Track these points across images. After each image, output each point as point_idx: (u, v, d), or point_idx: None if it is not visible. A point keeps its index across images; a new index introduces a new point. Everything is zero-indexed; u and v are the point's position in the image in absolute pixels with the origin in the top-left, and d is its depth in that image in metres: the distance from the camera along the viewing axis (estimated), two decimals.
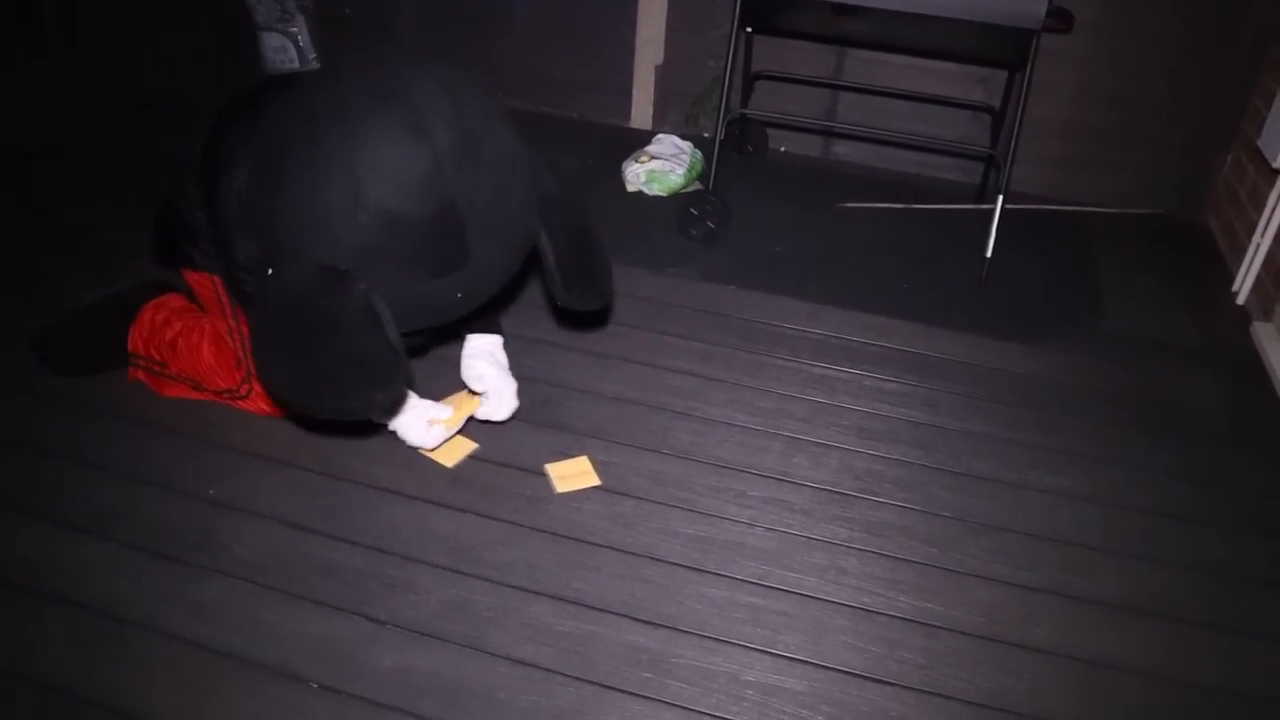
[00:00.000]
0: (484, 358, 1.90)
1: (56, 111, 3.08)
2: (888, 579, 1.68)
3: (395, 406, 1.43)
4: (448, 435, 1.85)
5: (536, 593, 1.60)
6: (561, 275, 1.65)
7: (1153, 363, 2.34)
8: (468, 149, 1.40)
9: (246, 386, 1.90)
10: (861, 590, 1.65)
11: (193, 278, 1.90)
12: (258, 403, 1.91)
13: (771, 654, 1.53)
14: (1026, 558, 1.75)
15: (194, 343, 1.94)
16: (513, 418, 1.92)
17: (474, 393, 1.89)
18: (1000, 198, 2.62)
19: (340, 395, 1.38)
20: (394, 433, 1.84)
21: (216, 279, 1.84)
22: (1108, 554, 1.77)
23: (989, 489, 1.90)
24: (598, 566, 1.66)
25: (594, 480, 1.85)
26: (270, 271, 1.44)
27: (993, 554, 1.75)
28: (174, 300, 2.06)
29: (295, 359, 1.39)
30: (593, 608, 1.58)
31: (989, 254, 2.66)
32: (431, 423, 1.83)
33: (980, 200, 3.02)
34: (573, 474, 1.86)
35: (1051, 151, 3.06)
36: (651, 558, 1.69)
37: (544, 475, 1.85)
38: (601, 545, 1.70)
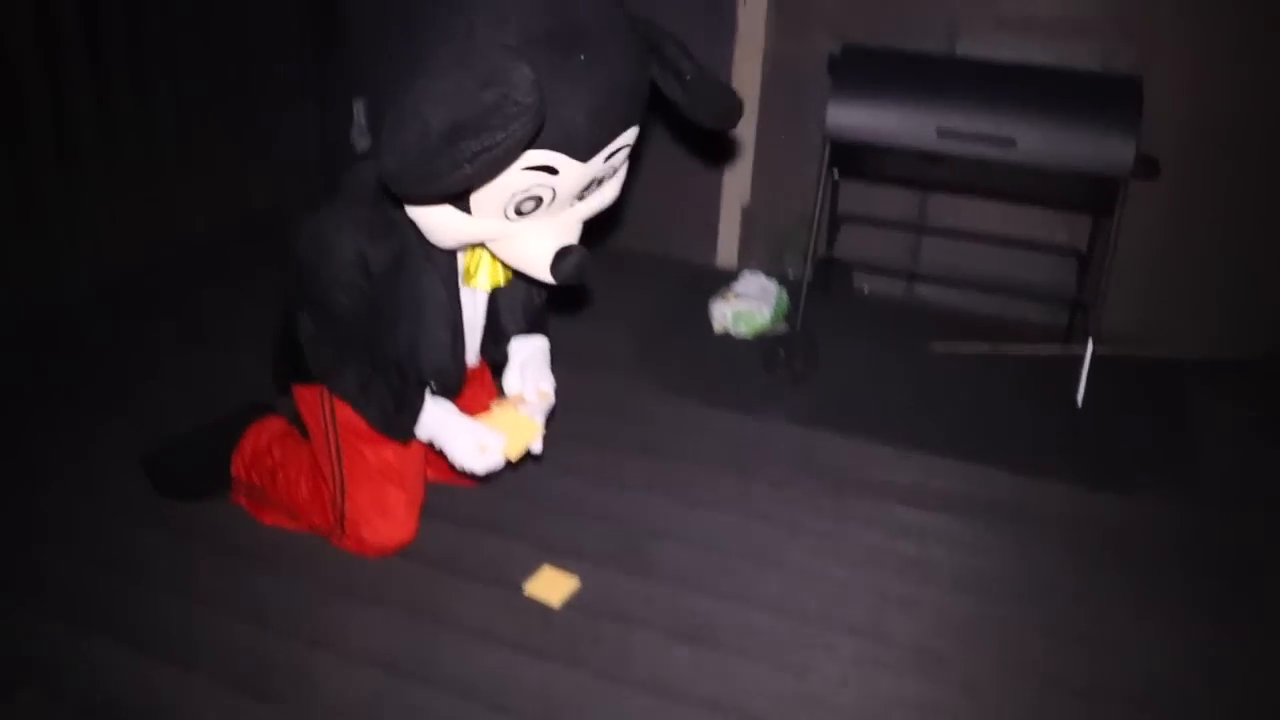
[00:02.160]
0: (536, 363, 1.96)
1: (165, 230, 3.23)
2: None
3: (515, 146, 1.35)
4: (500, 465, 1.84)
5: None
6: (683, 80, 1.65)
7: (1247, 513, 2.26)
8: None
9: (338, 530, 1.94)
10: None
11: (302, 395, 1.94)
12: (351, 543, 1.94)
13: None
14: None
15: (292, 476, 1.99)
16: (606, 563, 1.93)
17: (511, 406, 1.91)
18: (1090, 342, 2.61)
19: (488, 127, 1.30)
20: (441, 452, 1.84)
21: (327, 400, 1.89)
22: (1211, 717, 1.70)
23: (1086, 646, 1.84)
24: None
25: (572, 581, 1.91)
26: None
27: (1092, 716, 1.68)
28: (275, 424, 2.12)
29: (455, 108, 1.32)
30: None
31: (1080, 400, 2.63)
32: (483, 449, 1.80)
33: (1068, 342, 2.99)
34: (551, 583, 1.91)
35: (1140, 293, 3.03)
36: (741, 713, 1.65)
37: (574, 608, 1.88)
38: (693, 701, 1.67)
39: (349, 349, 1.77)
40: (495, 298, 1.94)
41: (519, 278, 1.80)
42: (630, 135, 1.59)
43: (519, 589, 1.90)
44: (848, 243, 3.21)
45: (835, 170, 3.00)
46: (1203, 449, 2.53)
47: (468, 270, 1.79)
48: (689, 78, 1.62)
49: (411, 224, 1.63)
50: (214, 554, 1.95)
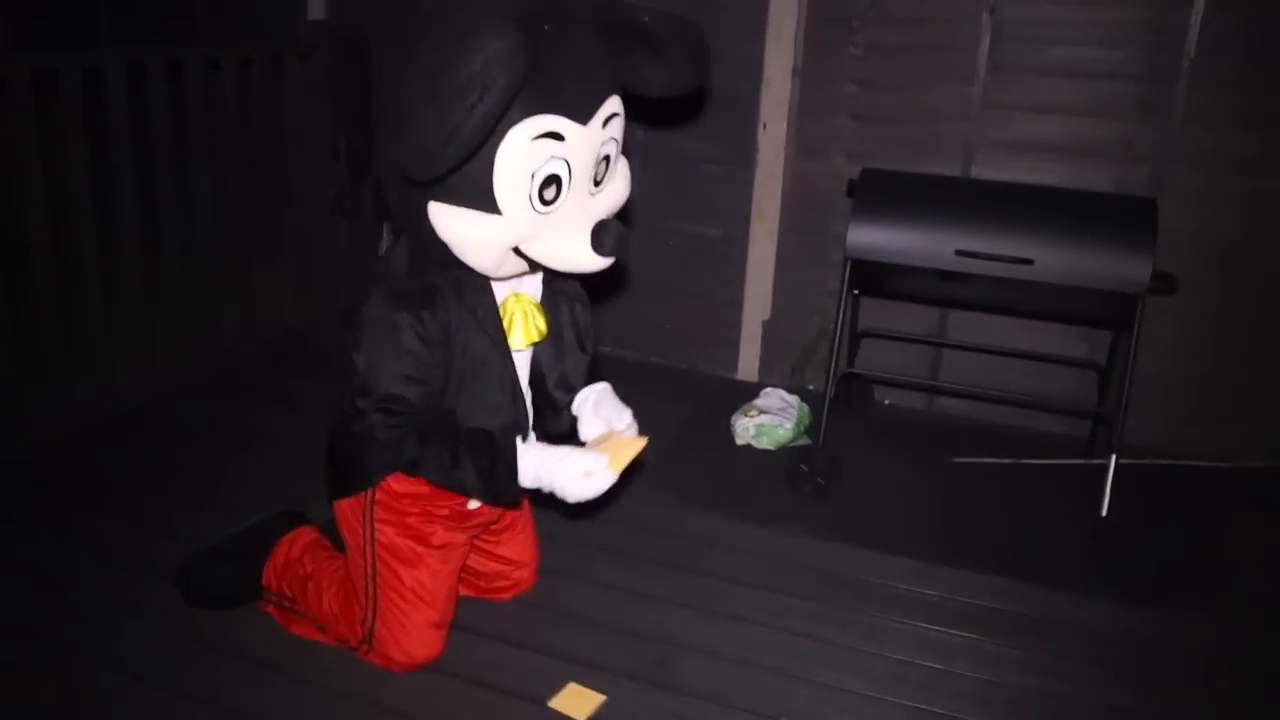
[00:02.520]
0: (607, 400, 1.94)
1: (201, 352, 3.32)
2: None
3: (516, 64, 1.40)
4: (612, 480, 1.74)
5: None
6: (644, 31, 1.64)
7: None
8: None
9: (365, 646, 1.95)
10: None
11: (343, 510, 1.94)
12: (378, 659, 1.95)
13: None
14: None
15: (323, 587, 2.01)
16: (632, 678, 1.93)
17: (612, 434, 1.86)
18: (1113, 456, 2.62)
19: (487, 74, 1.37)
20: (551, 494, 1.77)
21: (363, 503, 1.90)
22: None
23: None
24: None
25: (598, 697, 1.90)
26: None
27: None
28: (307, 534, 2.15)
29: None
30: None
31: (1104, 512, 2.63)
32: (588, 474, 1.73)
33: (1090, 454, 3.01)
34: (577, 698, 1.90)
35: (1160, 405, 3.06)
36: None
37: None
38: None
39: (430, 431, 1.77)
40: (539, 361, 1.94)
41: (557, 332, 1.89)
42: (616, 103, 1.65)
43: (545, 705, 1.89)
44: (868, 357, 3.26)
45: (856, 288, 3.06)
46: (1232, 561, 2.52)
47: (510, 336, 1.82)
48: (647, 20, 1.65)
49: (454, 287, 1.70)
50: (244, 666, 1.96)
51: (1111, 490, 2.63)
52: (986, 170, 3.03)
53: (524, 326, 1.81)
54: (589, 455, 1.75)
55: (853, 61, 3.12)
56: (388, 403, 1.73)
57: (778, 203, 3.27)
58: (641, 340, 3.54)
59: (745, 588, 2.30)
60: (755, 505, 2.68)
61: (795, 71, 3.16)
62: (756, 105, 3.21)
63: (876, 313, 3.22)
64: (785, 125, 3.20)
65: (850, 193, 2.71)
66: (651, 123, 3.34)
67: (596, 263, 1.66)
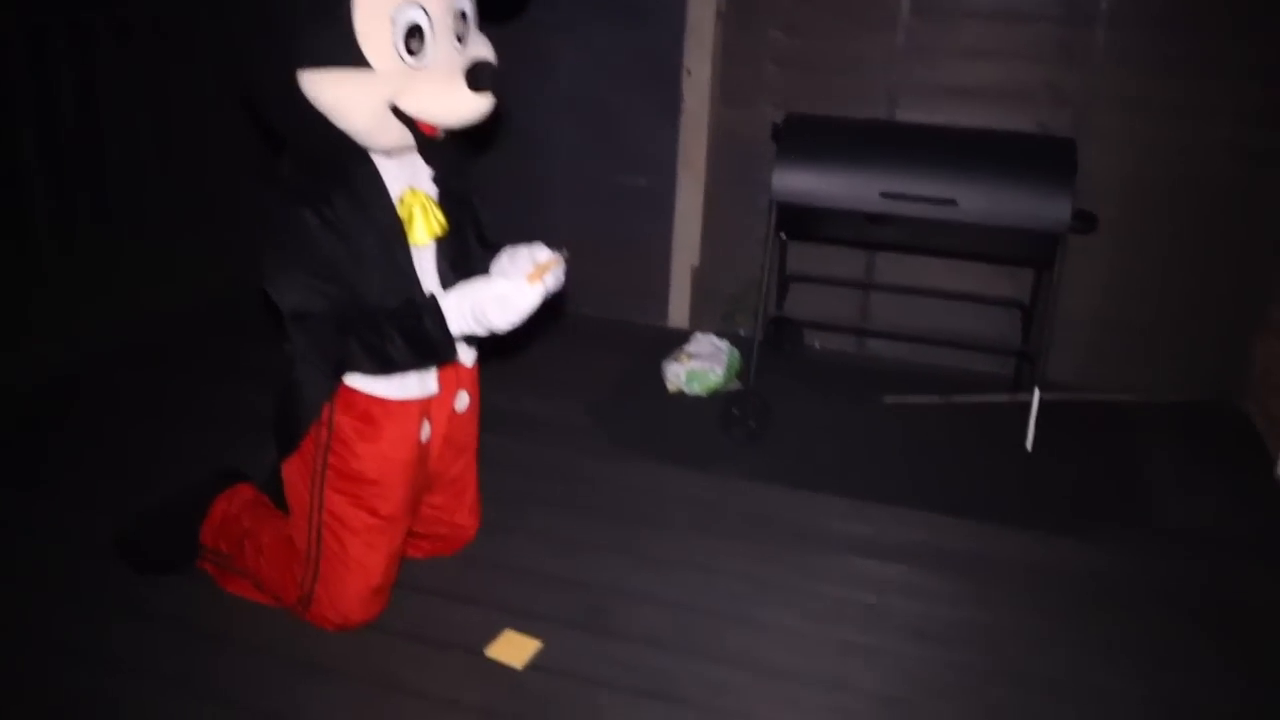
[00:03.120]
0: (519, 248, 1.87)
1: (123, 318, 3.23)
2: None
3: None
4: (535, 294, 1.71)
5: None
6: None
7: (1203, 554, 2.32)
8: None
9: (302, 607, 1.93)
10: None
11: (289, 472, 1.91)
12: (314, 619, 1.93)
13: None
14: None
15: (260, 545, 1.98)
16: (569, 625, 1.94)
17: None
18: (1036, 391, 2.68)
19: None
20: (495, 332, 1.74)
21: (313, 470, 1.86)
22: None
23: (1047, 690, 1.87)
24: None
25: (533, 643, 1.91)
26: None
27: None
28: (245, 491, 2.12)
29: None
30: None
31: (1029, 447, 2.70)
32: (506, 296, 1.69)
33: (1016, 391, 3.07)
34: (513, 646, 1.91)
35: (1084, 342, 3.13)
36: None
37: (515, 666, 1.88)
38: None
39: (348, 320, 1.72)
40: (445, 262, 1.86)
41: (458, 230, 1.85)
42: None
43: (482, 654, 1.89)
44: (798, 302, 3.28)
45: (782, 232, 3.07)
46: (1154, 490, 2.59)
47: (410, 232, 1.78)
48: None
49: (345, 184, 1.69)
50: (175, 634, 1.93)
51: (1036, 425, 2.69)
52: (911, 114, 3.04)
53: (425, 221, 1.78)
54: (505, 277, 1.73)
55: (777, 8, 3.11)
56: (307, 314, 1.70)
57: (704, 150, 3.26)
58: (572, 292, 3.51)
59: (680, 533, 2.31)
60: (689, 451, 2.69)
61: (719, 16, 3.13)
62: (680, 52, 3.19)
63: (805, 257, 3.24)
64: (710, 72, 3.18)
65: (775, 137, 2.71)
66: (576, 73, 3.30)
67: (475, 104, 1.66)
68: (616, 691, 1.82)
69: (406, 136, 1.68)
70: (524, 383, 2.99)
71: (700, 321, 3.46)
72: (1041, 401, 2.70)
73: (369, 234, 1.72)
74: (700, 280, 3.44)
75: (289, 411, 1.87)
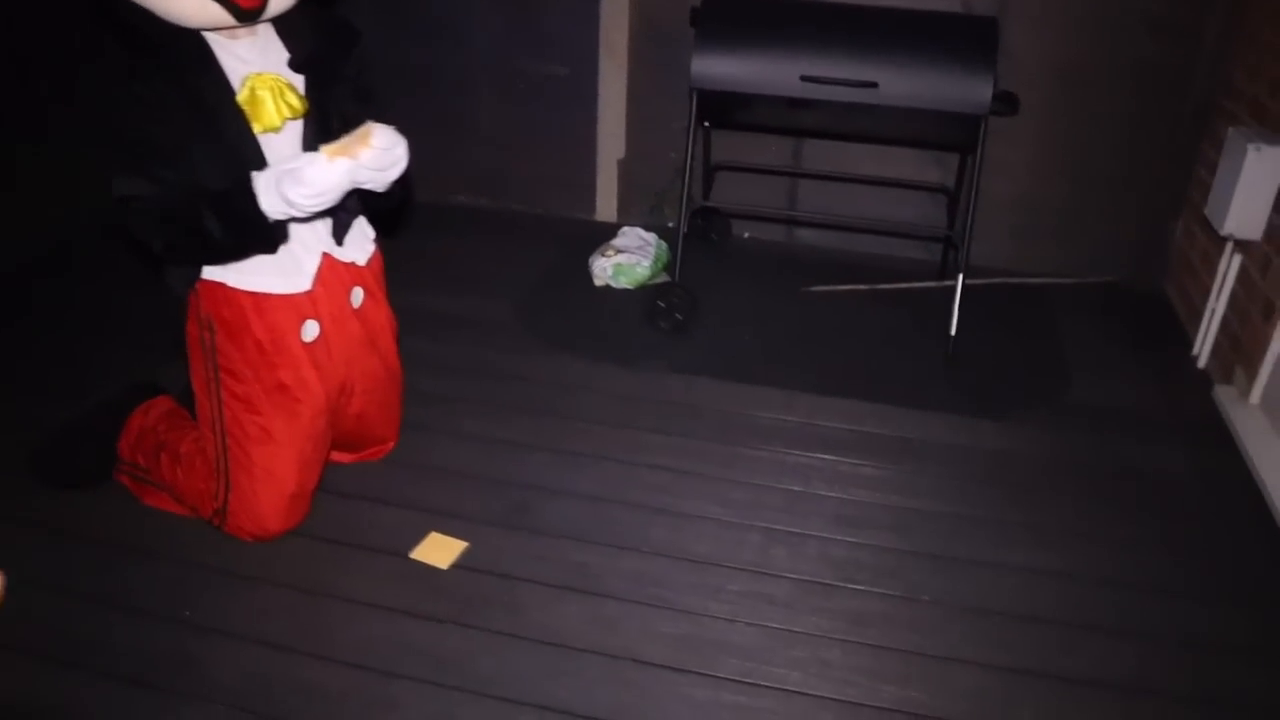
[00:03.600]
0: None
1: (53, 224, 3.11)
2: (871, 669, 1.68)
3: None
4: (342, 165, 1.61)
5: (520, 703, 1.59)
6: None
7: (1122, 433, 2.37)
8: None
9: (219, 519, 1.90)
10: (846, 683, 1.65)
11: (194, 366, 1.86)
12: (231, 530, 1.90)
13: None
14: (1010, 640, 1.75)
15: (177, 454, 1.94)
16: (493, 524, 1.94)
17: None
18: (960, 276, 2.68)
19: None
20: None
21: (211, 368, 1.83)
22: (1090, 631, 1.78)
23: (969, 571, 1.91)
24: (580, 672, 1.65)
25: (459, 544, 1.92)
26: None
27: (975, 638, 1.75)
28: (162, 403, 2.07)
29: None
30: (578, 715, 1.57)
31: (953, 332, 2.71)
32: (331, 155, 1.62)
33: (942, 277, 3.08)
34: (438, 547, 1.92)
35: (1009, 227, 3.13)
36: (635, 660, 1.68)
37: (452, 568, 1.88)
38: (584, 650, 1.69)
39: (172, 210, 1.66)
40: (311, 144, 1.76)
41: (322, 110, 1.76)
42: None
43: (407, 557, 1.89)
44: (725, 191, 3.24)
45: (706, 121, 3.01)
46: (1074, 371, 2.63)
47: (256, 116, 1.69)
48: None
49: (173, 73, 1.62)
50: (90, 549, 1.90)
51: (960, 311, 2.70)
52: None
53: (273, 104, 1.69)
54: (314, 153, 1.64)
55: None
56: (132, 197, 1.64)
57: (626, 36, 3.17)
58: (496, 188, 3.44)
59: (605, 428, 2.31)
60: (615, 346, 2.67)
61: None
62: None
63: (731, 146, 3.19)
64: None
65: (693, 22, 2.63)
66: None
67: None
68: (539, 587, 1.83)
69: (209, 8, 1.58)
70: (448, 280, 2.94)
71: (628, 215, 3.41)
72: (965, 287, 2.70)
73: (195, 115, 1.64)
74: (627, 172, 3.38)
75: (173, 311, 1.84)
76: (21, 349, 2.57)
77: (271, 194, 1.62)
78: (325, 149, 1.62)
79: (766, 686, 1.64)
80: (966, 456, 2.26)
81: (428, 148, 3.20)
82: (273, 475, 1.85)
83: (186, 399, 2.02)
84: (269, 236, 1.71)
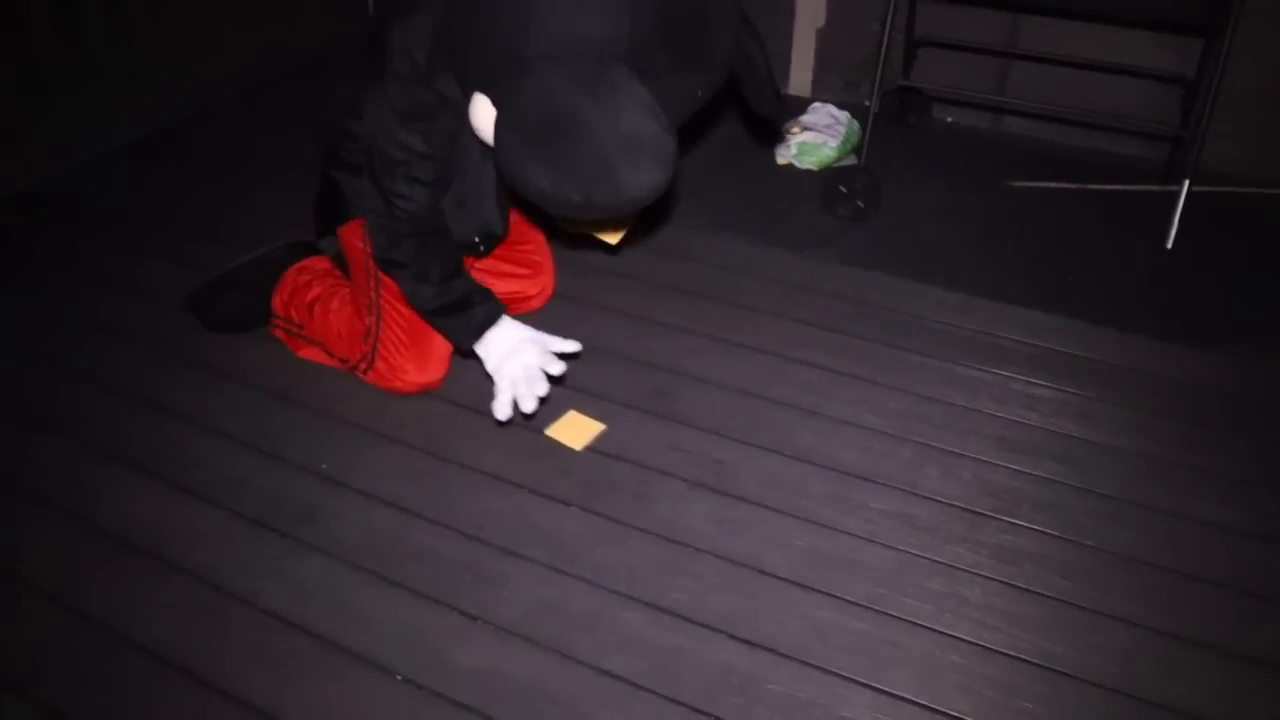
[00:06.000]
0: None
1: (217, 76, 3.16)
2: (1013, 613, 1.54)
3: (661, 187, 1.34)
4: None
5: (632, 598, 1.54)
6: (770, 80, 1.63)
7: None
8: None
9: (365, 364, 1.91)
10: (982, 625, 1.52)
11: (346, 234, 1.91)
12: (377, 378, 1.91)
13: (874, 689, 1.42)
14: (1175, 600, 1.56)
15: (330, 308, 1.97)
16: (635, 407, 1.90)
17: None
18: (1187, 182, 2.38)
19: (616, 188, 1.27)
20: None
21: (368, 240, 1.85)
22: (1273, 604, 1.57)
23: (1140, 517, 1.72)
24: (699, 575, 1.58)
25: (597, 426, 1.87)
26: (504, 87, 1.31)
27: (1136, 593, 1.57)
28: (318, 263, 2.10)
29: (562, 155, 1.27)
30: (689, 620, 1.51)
31: (1169, 245, 2.43)
32: (498, 398, 1.73)
33: (1166, 181, 2.75)
34: (575, 427, 1.87)
35: (1255, 126, 2.75)
36: (758, 570, 1.59)
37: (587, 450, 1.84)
38: (706, 551, 1.62)
39: (428, 247, 1.73)
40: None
41: None
42: None
43: (541, 433, 1.85)
44: (927, 70, 2.97)
45: None
46: None
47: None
48: (770, 82, 1.70)
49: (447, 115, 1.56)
50: (239, 392, 1.95)
51: (1180, 222, 2.41)
52: None
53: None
54: (506, 379, 1.73)
55: None
56: (395, 197, 1.65)
57: None
58: None
59: (763, 316, 2.18)
60: (787, 230, 2.52)
61: None
62: None
63: (939, 19, 2.90)
64: None
65: None
66: None
67: None
68: (670, 479, 1.76)
69: None
70: None
71: (822, 89, 3.19)
72: (1191, 193, 2.40)
73: (470, 149, 1.65)
74: (824, 43, 3.14)
75: (329, 212, 1.91)
76: (202, 192, 2.65)
77: (486, 345, 1.75)
78: (499, 396, 1.73)
79: (893, 616, 1.53)
80: (1157, 388, 2.02)
81: None
82: (420, 327, 1.86)
83: (340, 260, 2.05)
84: (461, 344, 1.81)
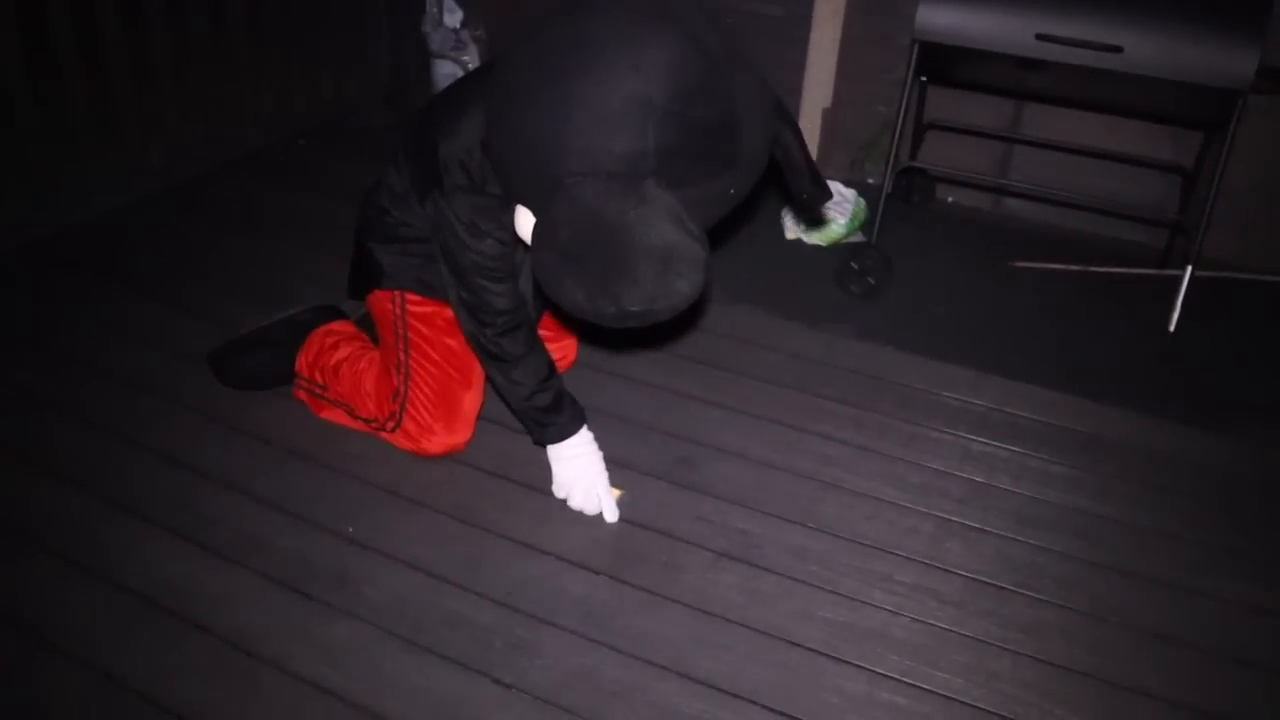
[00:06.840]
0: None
1: (237, 132, 3.19)
2: (1044, 688, 1.55)
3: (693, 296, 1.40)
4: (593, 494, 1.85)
5: (665, 668, 1.54)
6: (809, 168, 1.65)
7: None
8: (734, 51, 1.35)
9: (393, 423, 1.92)
10: (1014, 699, 1.53)
11: (376, 301, 1.93)
12: (404, 439, 1.92)
13: None
14: (1205, 679, 1.58)
15: (359, 369, 1.99)
16: (658, 477, 1.91)
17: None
18: (1190, 268, 2.45)
19: (648, 297, 1.27)
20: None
21: (399, 298, 1.89)
22: None
23: (1164, 593, 1.74)
24: (731, 646, 1.58)
25: (614, 492, 1.88)
26: (539, 205, 1.34)
27: (1165, 670, 1.59)
28: (344, 327, 2.12)
29: (594, 268, 1.28)
30: (722, 690, 1.51)
31: (1172, 327, 2.49)
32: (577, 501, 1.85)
33: (1164, 266, 2.82)
34: None
35: (1247, 216, 2.84)
36: (788, 641, 1.60)
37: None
38: (736, 623, 1.63)
39: (524, 339, 1.78)
40: None
41: None
42: None
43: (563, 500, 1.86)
44: (933, 151, 3.06)
45: (924, 75, 2.83)
46: None
47: None
48: (809, 171, 1.68)
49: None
50: (264, 451, 1.94)
51: (1183, 305, 2.47)
52: None
53: None
54: (580, 489, 1.84)
55: None
56: (487, 295, 1.71)
57: None
58: None
59: (782, 389, 2.21)
60: (800, 303, 2.56)
61: None
62: None
63: (945, 103, 2.99)
64: None
65: None
66: None
67: None
68: (697, 550, 1.77)
69: None
70: None
71: (828, 166, 3.26)
72: (1193, 278, 2.47)
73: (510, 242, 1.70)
74: (831, 123, 3.22)
75: (362, 278, 1.95)
76: (223, 246, 2.66)
77: (562, 450, 1.84)
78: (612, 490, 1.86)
79: (926, 690, 1.53)
80: (1172, 466, 2.06)
81: None
82: (453, 369, 1.90)
83: (365, 323, 2.08)
84: (533, 432, 1.86)
